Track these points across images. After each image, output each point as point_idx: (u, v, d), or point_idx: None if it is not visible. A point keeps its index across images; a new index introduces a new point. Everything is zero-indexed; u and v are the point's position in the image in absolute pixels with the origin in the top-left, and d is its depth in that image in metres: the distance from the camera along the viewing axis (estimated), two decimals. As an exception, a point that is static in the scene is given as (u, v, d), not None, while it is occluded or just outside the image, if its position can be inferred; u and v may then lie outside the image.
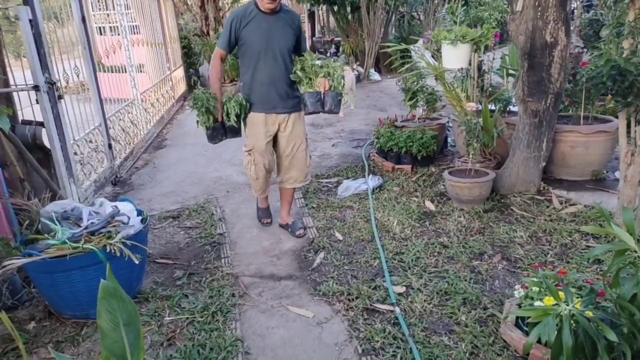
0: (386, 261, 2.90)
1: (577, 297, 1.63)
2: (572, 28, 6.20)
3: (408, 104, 4.73)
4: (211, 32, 9.95)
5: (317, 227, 3.47)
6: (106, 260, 2.30)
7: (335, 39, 11.14)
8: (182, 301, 2.63)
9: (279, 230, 3.49)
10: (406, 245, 3.11)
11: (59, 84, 3.55)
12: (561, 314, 1.34)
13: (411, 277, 2.72)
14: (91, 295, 2.20)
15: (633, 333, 1.21)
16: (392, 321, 2.37)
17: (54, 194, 3.10)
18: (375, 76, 9.82)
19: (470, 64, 4.05)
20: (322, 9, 11.88)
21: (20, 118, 3.36)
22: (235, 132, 3.12)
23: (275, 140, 3.22)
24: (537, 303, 1.93)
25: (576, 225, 3.19)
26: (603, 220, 1.41)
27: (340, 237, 3.31)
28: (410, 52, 5.37)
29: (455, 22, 4.50)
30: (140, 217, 2.67)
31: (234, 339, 2.30)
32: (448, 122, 4.92)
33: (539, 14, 3.32)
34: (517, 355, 2.04)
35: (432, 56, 4.99)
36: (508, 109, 4.31)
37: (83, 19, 4.24)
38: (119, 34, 5.80)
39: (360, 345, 2.21)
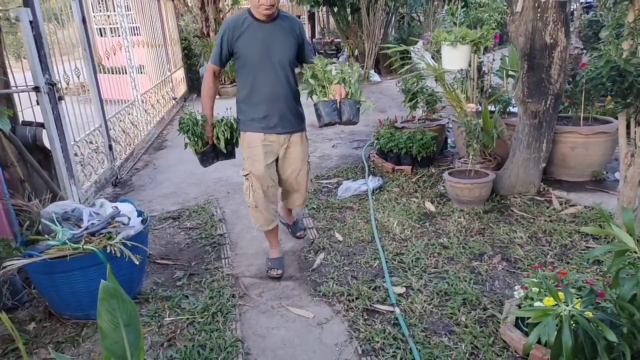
0: (386, 262, 2.91)
1: (577, 298, 1.63)
2: (571, 29, 6.21)
3: (408, 105, 4.73)
4: (211, 34, 9.97)
5: (317, 228, 3.48)
6: (106, 261, 2.30)
7: (335, 40, 11.15)
8: (182, 302, 2.63)
9: (279, 230, 3.49)
10: (406, 246, 3.12)
11: (59, 85, 3.56)
12: (561, 314, 1.34)
13: (411, 278, 2.72)
14: (91, 296, 2.20)
15: (633, 333, 1.22)
16: (392, 322, 2.37)
17: (54, 195, 3.11)
18: (375, 77, 9.83)
19: (470, 65, 4.05)
20: (322, 10, 11.91)
21: (20, 119, 3.37)
22: (228, 155, 2.85)
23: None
24: (537, 304, 1.93)
25: (576, 226, 3.19)
26: (603, 221, 1.41)
27: (340, 237, 3.31)
28: (410, 54, 5.38)
29: (455, 24, 4.50)
30: (140, 218, 2.68)
31: (234, 339, 2.30)
32: (448, 123, 4.92)
33: (539, 15, 3.33)
34: (517, 355, 2.04)
35: (432, 57, 4.99)
36: (508, 110, 4.31)
37: (83, 20, 4.25)
38: (119, 35, 5.81)
39: (361, 346, 2.21)
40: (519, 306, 2.15)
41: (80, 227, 2.49)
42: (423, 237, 3.23)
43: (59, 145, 3.42)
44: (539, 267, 2.46)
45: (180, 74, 8.84)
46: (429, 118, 4.92)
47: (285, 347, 2.26)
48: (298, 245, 3.26)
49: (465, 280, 2.67)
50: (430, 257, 2.96)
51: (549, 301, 1.77)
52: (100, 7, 5.76)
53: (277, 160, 2.84)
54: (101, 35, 6.14)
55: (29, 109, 3.44)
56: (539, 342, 1.59)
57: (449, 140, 5.09)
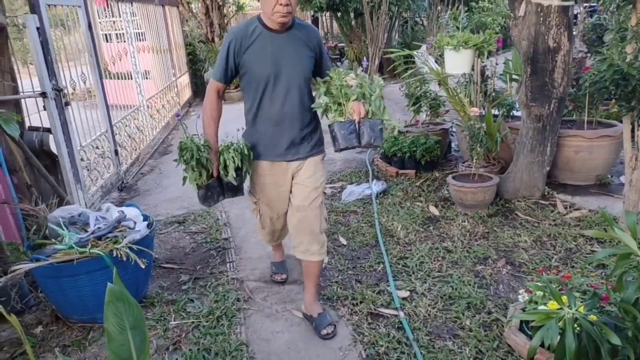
0: (390, 266, 2.91)
1: (582, 302, 1.63)
2: (575, 33, 6.23)
3: (411, 109, 4.75)
4: (216, 39, 10.04)
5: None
6: (113, 264, 2.32)
7: (339, 44, 11.20)
8: (187, 306, 2.65)
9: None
10: (410, 249, 3.12)
11: (65, 91, 3.60)
12: (564, 317, 1.34)
13: (415, 282, 2.73)
14: (98, 299, 2.22)
15: (637, 337, 1.22)
16: (397, 325, 2.37)
17: (61, 200, 3.13)
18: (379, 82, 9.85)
19: (473, 69, 4.06)
20: (325, 15, 11.96)
21: (27, 124, 3.40)
22: (236, 190, 2.34)
23: None
24: (541, 307, 1.93)
25: (581, 230, 3.19)
26: (607, 225, 1.41)
27: (344, 241, 3.32)
28: (414, 58, 5.40)
29: (457, 28, 4.52)
30: (146, 222, 2.70)
31: (239, 343, 2.31)
32: (451, 127, 4.93)
33: (542, 19, 3.34)
34: (522, 359, 2.04)
35: (436, 61, 5.01)
36: (512, 113, 4.32)
37: (89, 27, 4.30)
38: (125, 41, 5.86)
39: (365, 350, 2.22)
40: (524, 310, 2.15)
41: (86, 231, 2.51)
42: (427, 241, 3.23)
43: (65, 150, 3.46)
44: (544, 271, 2.46)
45: (185, 79, 8.90)
46: (433, 122, 4.93)
47: (290, 350, 2.27)
48: (302, 249, 3.26)
49: (470, 284, 2.67)
50: (434, 261, 2.96)
51: (553, 305, 1.77)
52: (106, 13, 5.82)
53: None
54: (107, 41, 6.19)
55: (36, 114, 3.48)
56: (543, 345, 1.59)
57: (453, 144, 5.09)
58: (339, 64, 10.29)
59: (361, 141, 2.18)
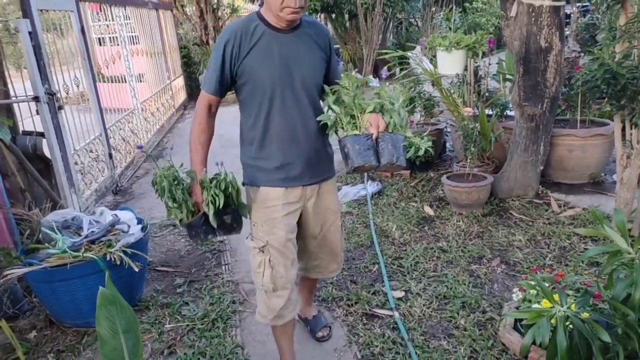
0: (385, 266, 2.91)
1: (575, 300, 1.64)
2: (568, 32, 6.27)
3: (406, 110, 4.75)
4: (210, 41, 10.04)
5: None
6: (106, 268, 2.31)
7: (334, 46, 11.22)
8: (182, 309, 2.64)
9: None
10: (405, 250, 3.13)
11: (59, 95, 3.59)
12: (555, 315, 1.35)
13: (410, 282, 2.73)
14: (92, 303, 2.20)
15: (627, 334, 1.23)
16: (392, 326, 2.37)
17: (54, 204, 3.12)
18: (374, 83, 9.87)
19: (466, 70, 4.08)
20: (320, 17, 11.98)
21: (20, 129, 3.39)
22: (229, 228, 1.87)
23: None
24: (534, 306, 1.93)
25: (574, 228, 3.20)
26: (600, 223, 1.43)
27: (339, 243, 3.32)
28: (408, 59, 5.42)
29: (450, 29, 4.55)
30: (140, 226, 2.69)
31: (235, 345, 2.30)
32: (446, 127, 4.94)
33: (533, 19, 3.35)
34: (516, 358, 2.05)
35: (431, 62, 5.03)
36: (505, 113, 4.34)
37: (82, 30, 4.29)
38: (118, 45, 5.85)
39: (360, 351, 2.22)
40: (518, 308, 2.16)
41: (80, 235, 2.51)
42: (422, 241, 3.23)
43: (59, 154, 3.45)
44: (537, 270, 2.47)
45: (180, 82, 8.89)
46: (427, 122, 4.94)
47: (285, 352, 2.27)
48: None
49: (464, 284, 2.67)
50: (429, 260, 2.96)
51: (546, 303, 1.78)
52: (99, 16, 5.81)
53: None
54: (100, 45, 6.19)
55: (29, 118, 3.47)
56: (536, 344, 1.60)
57: (447, 145, 5.11)
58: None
59: (380, 160, 1.74)
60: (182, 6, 10.41)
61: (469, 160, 3.74)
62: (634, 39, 2.44)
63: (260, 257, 1.92)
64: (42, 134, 3.37)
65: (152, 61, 7.06)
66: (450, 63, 3.72)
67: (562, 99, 3.96)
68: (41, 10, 3.55)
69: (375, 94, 1.85)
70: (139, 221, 2.74)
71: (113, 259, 2.35)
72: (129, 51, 5.98)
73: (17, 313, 2.61)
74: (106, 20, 5.80)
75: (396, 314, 2.44)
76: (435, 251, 3.07)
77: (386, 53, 5.07)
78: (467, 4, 10.84)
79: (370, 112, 1.79)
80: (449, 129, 4.97)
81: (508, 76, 4.64)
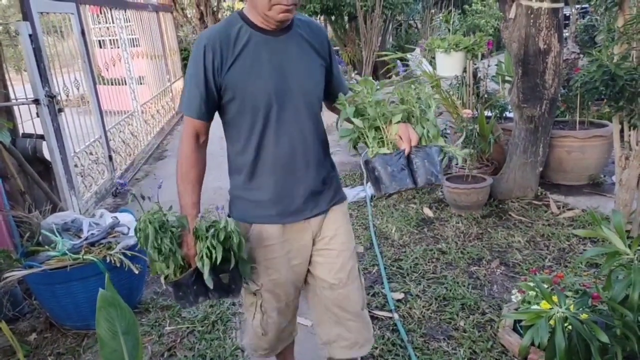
0: (385, 268, 2.92)
1: (573, 301, 1.64)
2: (568, 34, 6.29)
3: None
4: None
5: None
6: (106, 270, 2.32)
7: (334, 48, 11.24)
8: (182, 311, 2.65)
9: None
10: (404, 251, 3.13)
11: (59, 97, 3.60)
12: (554, 316, 1.35)
13: (410, 284, 2.73)
14: (92, 305, 2.20)
15: (625, 334, 1.23)
16: (391, 328, 2.38)
17: (54, 206, 3.13)
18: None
19: (465, 72, 4.09)
20: (320, 19, 12.01)
21: (21, 131, 3.40)
22: (226, 289, 1.52)
23: None
24: (534, 307, 1.94)
25: (574, 230, 3.21)
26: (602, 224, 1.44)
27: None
28: (408, 61, 5.43)
29: (449, 30, 4.56)
30: (140, 228, 2.69)
31: (235, 348, 2.31)
32: (445, 129, 4.94)
33: (532, 21, 3.36)
34: (516, 359, 2.05)
35: (430, 63, 5.04)
36: (504, 115, 4.34)
37: (82, 33, 4.30)
38: (118, 47, 5.87)
39: (360, 352, 2.22)
40: (517, 310, 2.16)
41: (80, 237, 2.51)
42: (421, 242, 3.24)
43: (59, 156, 3.45)
44: (536, 271, 2.47)
45: (180, 84, 8.89)
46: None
47: (285, 354, 2.27)
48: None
49: (464, 285, 2.68)
50: (428, 262, 2.97)
51: (546, 305, 1.78)
52: (99, 19, 5.83)
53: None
54: (100, 47, 6.20)
55: (29, 121, 3.48)
56: (535, 345, 1.60)
57: (447, 146, 5.11)
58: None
59: (417, 180, 1.45)
60: (183, 9, 10.44)
61: (468, 162, 3.75)
62: (632, 40, 2.45)
63: (252, 299, 1.63)
64: (42, 137, 3.38)
65: (152, 63, 7.07)
66: (449, 65, 3.73)
67: (561, 100, 3.96)
68: (41, 13, 3.56)
69: (401, 99, 1.52)
70: (139, 223, 2.74)
71: (113, 261, 2.36)
72: (129, 53, 5.99)
73: (17, 315, 2.62)
74: (106, 22, 5.81)
75: (396, 315, 2.45)
76: (434, 253, 3.07)
77: (386, 55, 5.08)
78: (466, 6, 10.86)
79: (399, 122, 1.46)
80: (448, 131, 4.98)
81: (507, 78, 4.65)
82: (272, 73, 1.46)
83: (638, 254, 1.33)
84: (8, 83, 3.23)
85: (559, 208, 3.55)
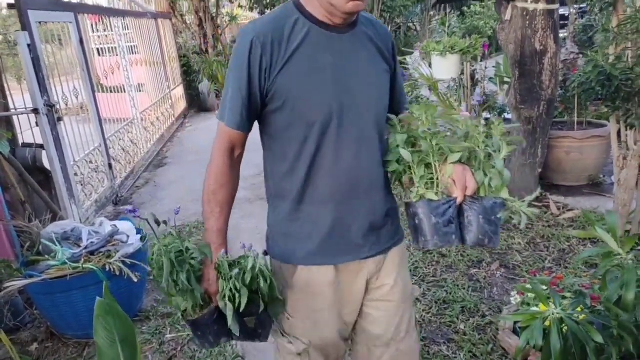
0: (385, 272, 2.91)
1: (571, 302, 1.64)
2: (566, 34, 6.29)
3: (404, 115, 4.77)
4: (210, 50, 10.10)
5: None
6: (106, 279, 2.32)
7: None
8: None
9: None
10: (404, 255, 3.13)
11: (58, 107, 3.62)
12: (549, 317, 1.36)
13: (410, 287, 2.73)
14: (92, 314, 2.21)
15: (621, 335, 1.23)
16: (391, 331, 2.37)
17: (54, 215, 3.14)
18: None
19: (463, 74, 4.10)
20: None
21: (20, 141, 3.42)
22: (252, 333, 1.30)
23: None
24: (533, 309, 1.94)
25: (573, 231, 3.20)
26: (602, 225, 1.44)
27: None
28: (407, 64, 5.45)
29: (446, 33, 4.58)
30: (140, 236, 2.70)
31: (235, 355, 2.31)
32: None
33: (528, 22, 3.37)
34: (516, 362, 2.05)
35: (430, 66, 5.05)
36: (503, 116, 4.35)
37: (81, 42, 4.33)
38: (117, 55, 5.90)
39: (360, 357, 2.22)
40: (516, 312, 2.16)
41: (79, 246, 2.52)
42: (421, 245, 3.24)
43: (58, 165, 3.47)
44: (536, 273, 2.47)
45: (179, 91, 8.94)
46: (426, 127, 4.95)
47: (285, 360, 2.27)
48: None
49: (464, 288, 2.67)
50: (428, 265, 2.97)
51: (544, 306, 1.78)
52: (98, 27, 5.86)
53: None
54: (99, 55, 6.24)
55: (28, 130, 3.50)
56: (532, 346, 1.60)
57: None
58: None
59: (466, 238, 1.20)
60: (182, 15, 10.49)
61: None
62: (627, 40, 2.45)
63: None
64: (41, 146, 3.39)
65: (151, 71, 7.11)
66: (446, 67, 3.74)
67: (559, 101, 3.97)
68: (40, 23, 3.59)
69: (464, 133, 1.22)
70: (139, 231, 2.76)
71: (112, 270, 2.36)
72: (128, 61, 6.02)
73: (19, 325, 2.63)
74: (105, 30, 5.85)
75: (396, 319, 2.45)
76: (434, 256, 3.07)
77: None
78: (465, 8, 10.89)
79: (455, 162, 1.18)
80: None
81: (506, 79, 4.66)
82: (334, 79, 1.19)
83: (633, 254, 1.34)
84: (7, 93, 3.25)
85: (559, 209, 3.54)
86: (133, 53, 6.46)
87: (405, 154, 1.19)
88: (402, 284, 1.38)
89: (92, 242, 2.53)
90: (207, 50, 10.14)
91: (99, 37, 6.07)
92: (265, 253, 1.33)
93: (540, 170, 3.72)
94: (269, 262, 1.31)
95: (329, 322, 1.31)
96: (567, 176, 3.88)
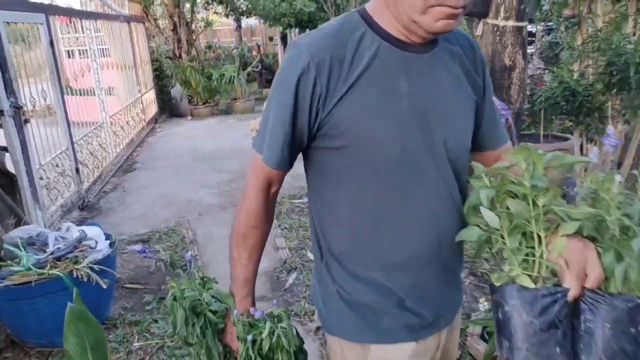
0: (357, 279, 2.93)
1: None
2: (533, 50, 6.54)
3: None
4: (183, 55, 10.00)
5: (290, 248, 3.49)
6: (73, 285, 2.26)
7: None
8: (151, 326, 2.60)
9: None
10: (377, 263, 3.16)
11: (25, 108, 3.51)
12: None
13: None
14: (57, 322, 2.14)
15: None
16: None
17: (19, 220, 3.03)
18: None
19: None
20: (294, 31, 12.11)
21: (-16, 143, 3.30)
22: None
23: None
24: (501, 315, 1.99)
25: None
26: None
27: (312, 257, 3.33)
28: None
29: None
30: (108, 242, 2.64)
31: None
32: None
33: (498, 38, 3.50)
34: (484, 367, 2.09)
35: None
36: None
37: (51, 43, 4.22)
38: (88, 57, 5.78)
39: (332, 364, 2.22)
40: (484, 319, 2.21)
41: (45, 251, 2.44)
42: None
43: (24, 169, 3.36)
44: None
45: (151, 95, 8.79)
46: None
47: (257, 367, 2.25)
48: (270, 266, 3.26)
49: (434, 295, 2.72)
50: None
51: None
52: (68, 29, 5.73)
53: None
54: (69, 57, 6.09)
55: (-7, 132, 3.38)
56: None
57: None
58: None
59: (581, 356, 0.79)
60: (155, 19, 10.35)
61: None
62: (589, 58, 2.58)
63: None
64: (5, 149, 3.28)
65: (122, 74, 6.98)
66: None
67: (526, 114, 4.11)
68: (8, 23, 3.48)
69: (592, 192, 0.86)
70: (107, 237, 2.69)
71: (80, 276, 2.30)
72: (98, 64, 5.90)
73: (-23, 334, 2.51)
74: (76, 32, 5.72)
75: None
76: (406, 263, 3.11)
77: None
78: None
79: (568, 234, 0.81)
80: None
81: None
82: (410, 112, 0.91)
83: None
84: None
85: (525, 219, 3.66)
86: (104, 56, 6.34)
87: (490, 217, 0.82)
88: (453, 348, 1.20)
89: (58, 248, 2.45)
90: (180, 55, 10.03)
91: (69, 39, 5.93)
92: (318, 328, 1.09)
93: (507, 181, 3.83)
94: (296, 327, 1.11)
95: None
96: (533, 187, 4.01)
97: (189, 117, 9.13)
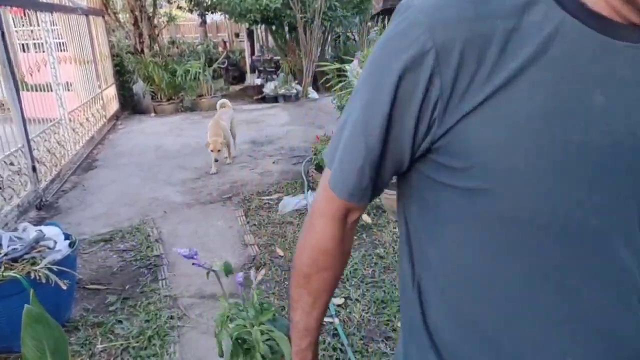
0: (325, 274, 2.95)
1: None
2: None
3: (344, 121, 4.86)
4: (146, 50, 9.74)
5: (259, 244, 3.47)
6: (30, 287, 2.17)
7: (274, 57, 11.27)
8: (115, 327, 2.53)
9: (221, 248, 3.46)
10: (345, 258, 3.19)
11: (-25, 103, 3.34)
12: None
13: (349, 289, 2.79)
14: (14, 325, 2.05)
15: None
16: (332, 332, 2.41)
17: (-30, 221, 2.89)
18: (314, 94, 10.03)
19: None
20: (260, 28, 12.01)
21: None
22: None
23: None
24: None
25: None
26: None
27: (281, 253, 3.33)
28: (346, 72, 5.57)
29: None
30: (68, 242, 2.55)
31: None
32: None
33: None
34: (450, 356, 2.15)
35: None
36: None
37: (2, 35, 4.03)
38: (44, 51, 5.54)
39: (301, 359, 2.23)
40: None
41: None
42: (360, 248, 3.32)
43: (-25, 167, 3.19)
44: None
45: (112, 91, 8.53)
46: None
47: (226, 365, 2.23)
48: (239, 263, 3.23)
49: (401, 288, 2.77)
50: (367, 267, 3.04)
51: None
52: (22, 21, 5.48)
53: None
54: (24, 51, 5.82)
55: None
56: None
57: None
58: (274, 76, 10.34)
59: None
60: (115, 13, 10.02)
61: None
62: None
63: None
64: (-45, 146, 3.11)
65: (81, 69, 6.74)
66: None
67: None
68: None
69: None
70: (67, 237, 2.60)
71: (38, 277, 2.21)
72: (55, 58, 5.67)
73: None
74: (31, 25, 5.47)
75: (336, 320, 2.49)
76: (373, 258, 3.16)
77: (325, 65, 5.18)
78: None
79: None
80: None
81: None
82: (603, 150, 0.54)
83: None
84: None
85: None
86: (61, 50, 6.10)
87: None
88: None
89: (14, 249, 2.35)
90: (142, 51, 9.75)
91: (23, 32, 5.67)
92: None
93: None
94: None
95: None
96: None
97: (153, 114, 8.91)
